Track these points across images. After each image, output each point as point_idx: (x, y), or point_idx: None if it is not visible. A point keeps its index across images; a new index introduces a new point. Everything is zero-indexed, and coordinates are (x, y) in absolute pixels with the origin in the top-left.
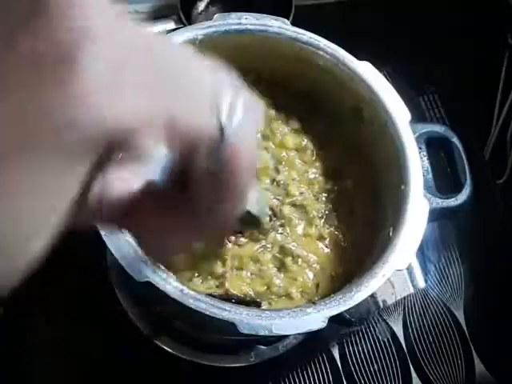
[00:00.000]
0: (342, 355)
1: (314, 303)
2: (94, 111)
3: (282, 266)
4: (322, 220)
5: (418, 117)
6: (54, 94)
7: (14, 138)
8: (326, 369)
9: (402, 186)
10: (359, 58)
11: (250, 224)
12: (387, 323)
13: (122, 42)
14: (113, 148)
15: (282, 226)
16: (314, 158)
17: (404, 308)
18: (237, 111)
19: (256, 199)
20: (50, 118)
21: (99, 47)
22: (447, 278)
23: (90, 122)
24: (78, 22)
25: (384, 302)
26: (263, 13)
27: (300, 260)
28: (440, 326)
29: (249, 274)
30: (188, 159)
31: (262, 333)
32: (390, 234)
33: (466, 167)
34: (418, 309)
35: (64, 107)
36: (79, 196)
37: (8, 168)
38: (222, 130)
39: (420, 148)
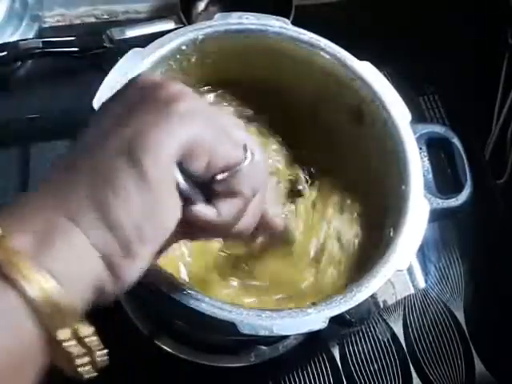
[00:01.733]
0: (342, 355)
1: (314, 303)
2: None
3: None
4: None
5: (418, 117)
6: None
7: None
8: (326, 369)
9: (403, 187)
10: (359, 58)
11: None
12: (387, 323)
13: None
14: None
15: None
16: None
17: (404, 308)
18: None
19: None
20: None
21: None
22: (447, 278)
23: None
24: None
25: (384, 302)
26: (263, 13)
27: None
28: (440, 326)
29: None
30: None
31: (262, 333)
32: (391, 234)
33: (467, 167)
34: (418, 309)
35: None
36: None
37: None
38: (245, 160)
39: (420, 148)
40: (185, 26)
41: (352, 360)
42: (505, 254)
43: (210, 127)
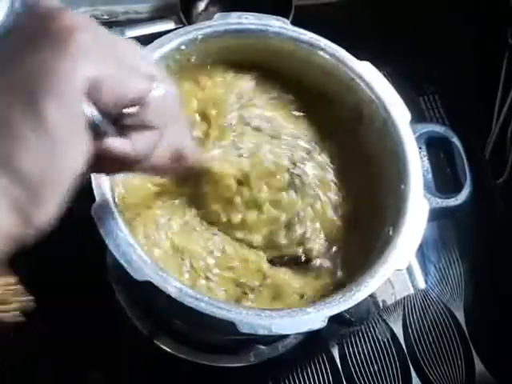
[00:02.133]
0: (342, 355)
1: (313, 303)
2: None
3: None
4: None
5: (417, 117)
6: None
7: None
8: (325, 369)
9: (402, 186)
10: (359, 58)
11: None
12: (387, 323)
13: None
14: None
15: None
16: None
17: (404, 308)
18: (164, 85)
19: None
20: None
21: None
22: (447, 278)
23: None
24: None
25: (384, 302)
26: (263, 13)
27: None
28: (440, 326)
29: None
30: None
31: (261, 332)
32: (390, 233)
33: (466, 167)
34: (418, 309)
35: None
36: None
37: None
38: (153, 91)
39: (420, 148)
40: (185, 26)
41: (352, 360)
42: (505, 254)
43: (113, 59)
